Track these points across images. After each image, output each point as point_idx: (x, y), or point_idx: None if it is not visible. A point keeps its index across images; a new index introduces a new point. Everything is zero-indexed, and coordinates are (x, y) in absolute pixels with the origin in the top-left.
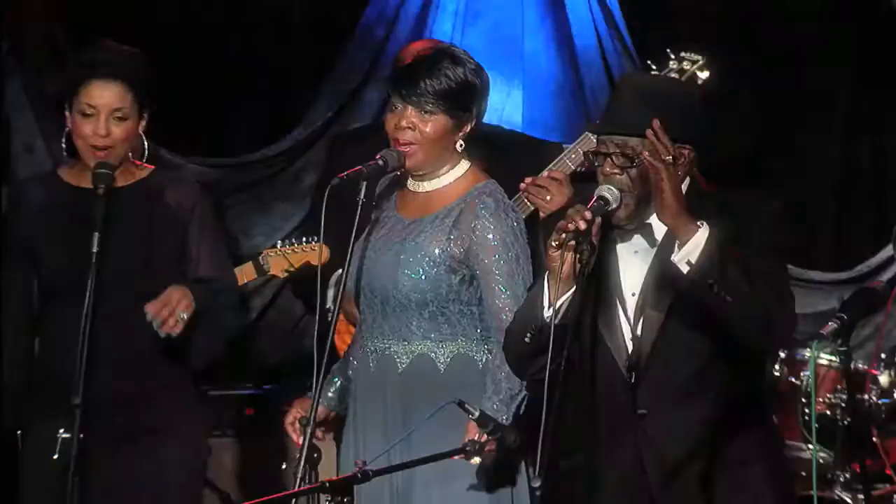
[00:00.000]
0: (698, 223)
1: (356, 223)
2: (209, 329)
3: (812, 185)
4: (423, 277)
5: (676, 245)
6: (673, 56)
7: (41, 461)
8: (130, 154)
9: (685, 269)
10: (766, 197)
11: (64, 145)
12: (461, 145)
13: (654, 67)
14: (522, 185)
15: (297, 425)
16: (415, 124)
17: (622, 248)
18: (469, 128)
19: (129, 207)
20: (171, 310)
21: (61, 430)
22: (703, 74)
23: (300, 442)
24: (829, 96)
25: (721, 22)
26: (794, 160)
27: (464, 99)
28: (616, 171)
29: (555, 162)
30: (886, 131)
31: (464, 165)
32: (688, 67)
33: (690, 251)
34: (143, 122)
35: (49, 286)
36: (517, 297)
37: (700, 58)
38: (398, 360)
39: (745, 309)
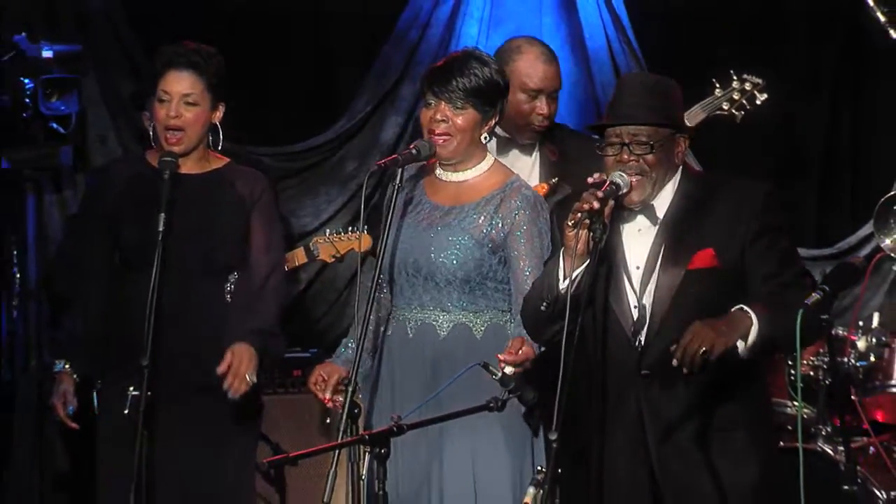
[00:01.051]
0: (746, 314)
1: (393, 206)
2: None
3: (797, 170)
4: (469, 257)
5: (740, 343)
6: (735, 77)
7: (113, 415)
8: (210, 141)
9: (746, 354)
10: (754, 181)
11: (152, 135)
12: (486, 138)
13: (717, 86)
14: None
15: (319, 385)
16: (448, 117)
17: (627, 228)
18: (492, 123)
19: (201, 192)
20: (239, 375)
21: (131, 388)
22: (762, 96)
23: (324, 397)
24: (813, 83)
25: (717, 22)
26: (780, 146)
27: (490, 96)
28: (633, 158)
29: None
30: (865, 121)
31: (490, 159)
32: (748, 88)
33: (753, 341)
34: (218, 114)
35: (125, 257)
36: None
37: (761, 81)
38: (439, 328)
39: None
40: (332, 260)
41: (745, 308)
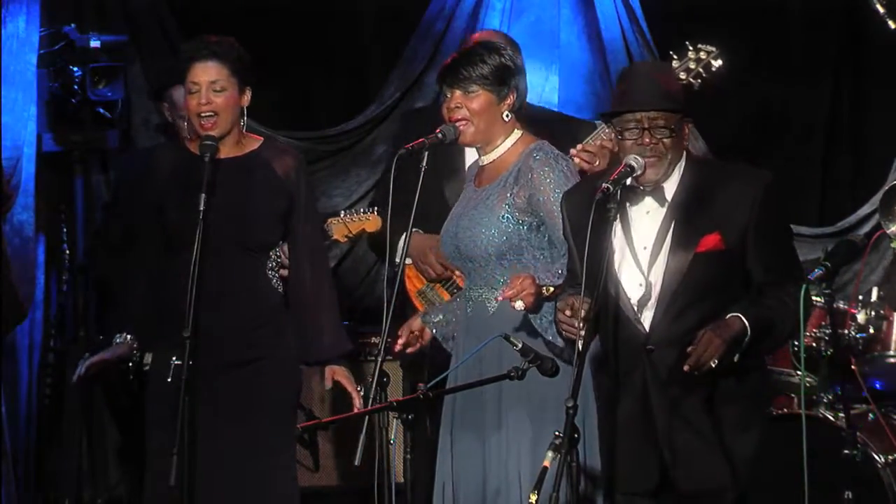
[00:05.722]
0: (738, 319)
1: (419, 187)
2: None
3: (800, 153)
4: (495, 232)
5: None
6: (691, 47)
7: (159, 384)
8: (242, 125)
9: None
10: (754, 168)
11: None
12: (508, 116)
13: (675, 57)
14: (573, 151)
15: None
16: (462, 103)
17: (635, 209)
18: (511, 100)
19: (239, 174)
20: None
21: (174, 358)
22: (717, 63)
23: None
24: (815, 67)
25: (716, 11)
26: (784, 131)
27: (500, 76)
28: (654, 141)
29: (592, 135)
30: (864, 106)
31: (516, 134)
32: (704, 57)
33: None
34: (246, 98)
35: (171, 237)
36: None
37: (714, 49)
38: (488, 304)
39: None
40: (345, 240)
41: (744, 319)
